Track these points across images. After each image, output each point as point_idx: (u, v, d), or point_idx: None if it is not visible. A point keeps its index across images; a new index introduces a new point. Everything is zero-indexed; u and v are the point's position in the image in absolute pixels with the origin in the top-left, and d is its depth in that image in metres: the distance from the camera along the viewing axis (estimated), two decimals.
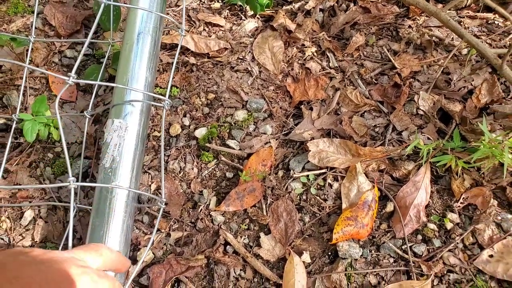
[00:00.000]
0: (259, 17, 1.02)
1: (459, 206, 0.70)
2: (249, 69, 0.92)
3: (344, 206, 0.72)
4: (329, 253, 0.69)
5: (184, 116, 0.86)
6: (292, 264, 0.66)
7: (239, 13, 1.03)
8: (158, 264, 0.70)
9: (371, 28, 0.96)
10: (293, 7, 1.02)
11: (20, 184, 0.79)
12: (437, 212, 0.70)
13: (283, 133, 0.83)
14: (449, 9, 0.97)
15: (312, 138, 0.79)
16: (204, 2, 1.06)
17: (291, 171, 0.76)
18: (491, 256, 0.64)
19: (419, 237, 0.68)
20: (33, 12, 1.02)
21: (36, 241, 0.74)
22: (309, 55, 0.92)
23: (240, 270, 0.69)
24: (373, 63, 0.90)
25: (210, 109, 0.87)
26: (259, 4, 0.96)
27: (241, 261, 0.69)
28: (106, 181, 0.64)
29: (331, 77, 0.89)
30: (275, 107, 0.86)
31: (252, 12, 1.01)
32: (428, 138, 0.77)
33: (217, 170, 0.80)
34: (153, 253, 0.72)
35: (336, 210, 0.73)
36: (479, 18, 0.95)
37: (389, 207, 0.71)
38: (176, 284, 0.69)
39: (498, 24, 0.93)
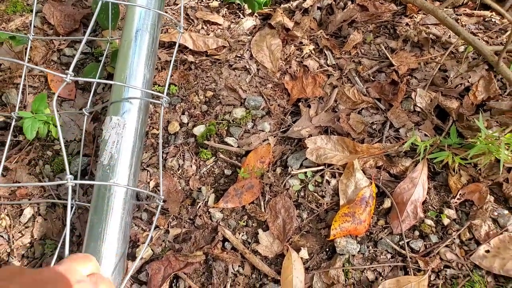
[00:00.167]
0: (257, 15, 1.02)
1: (456, 202, 0.70)
2: (247, 67, 0.92)
3: (341, 202, 0.72)
4: (327, 249, 0.70)
5: (183, 113, 0.87)
6: (290, 260, 0.67)
7: (237, 11, 1.04)
8: (156, 260, 0.70)
9: (369, 26, 0.96)
10: (291, 5, 1.03)
11: (19, 182, 0.80)
12: (434, 208, 0.71)
13: (281, 130, 0.83)
14: (446, 7, 0.97)
15: (310, 135, 0.79)
16: (202, 1, 1.07)
17: (289, 168, 0.77)
18: (487, 251, 0.64)
19: (416, 233, 0.69)
20: (31, 11, 1.02)
21: (36, 238, 0.75)
22: (307, 53, 0.93)
23: (239, 266, 0.70)
24: (371, 60, 0.90)
25: (208, 107, 0.87)
26: (257, 3, 0.97)
27: (239, 257, 0.70)
28: (104, 179, 0.64)
29: (328, 74, 0.89)
30: (273, 104, 0.86)
31: (250, 11, 1.02)
32: (425, 135, 0.77)
33: (215, 167, 0.80)
34: (151, 249, 0.72)
35: (333, 207, 0.73)
36: (476, 16, 0.95)
37: (387, 203, 0.71)
38: (174, 281, 0.69)
39: (495, 21, 0.94)
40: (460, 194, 0.70)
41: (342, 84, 0.87)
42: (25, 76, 0.84)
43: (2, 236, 0.75)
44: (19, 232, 0.75)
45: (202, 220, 0.74)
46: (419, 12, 0.97)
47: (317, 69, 0.90)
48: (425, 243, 0.67)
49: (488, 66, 0.83)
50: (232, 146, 0.81)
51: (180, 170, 0.80)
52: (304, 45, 0.94)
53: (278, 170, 0.78)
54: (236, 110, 0.85)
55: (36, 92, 0.91)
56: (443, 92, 0.82)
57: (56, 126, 0.83)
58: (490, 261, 0.63)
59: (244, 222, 0.74)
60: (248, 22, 1.00)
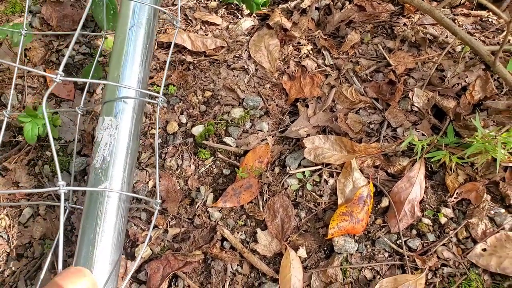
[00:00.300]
0: (255, 15, 1.02)
1: (453, 201, 0.71)
2: (246, 67, 0.92)
3: (339, 201, 0.72)
4: (325, 248, 0.70)
5: (181, 113, 0.87)
6: (289, 259, 0.67)
7: (236, 11, 1.04)
8: (156, 260, 0.70)
9: (366, 26, 0.97)
10: (289, 5, 1.03)
11: (18, 182, 0.80)
12: (431, 207, 0.71)
13: (279, 130, 0.83)
14: (443, 7, 0.98)
15: (308, 135, 0.80)
16: (200, 1, 1.07)
17: (287, 167, 0.77)
18: (484, 249, 0.65)
19: (414, 231, 0.69)
20: (30, 11, 1.02)
21: (35, 238, 0.75)
22: (304, 53, 0.93)
23: (237, 265, 0.70)
24: (368, 60, 0.91)
25: (207, 107, 0.87)
26: (255, 3, 0.97)
27: (238, 256, 0.70)
28: (96, 183, 0.60)
29: (326, 74, 0.90)
30: (271, 104, 0.87)
31: (248, 11, 1.02)
32: (423, 134, 0.78)
33: (214, 167, 0.81)
34: (151, 249, 0.73)
35: (331, 206, 0.73)
36: (473, 16, 0.96)
37: (384, 202, 0.72)
38: (173, 280, 0.70)
39: (491, 21, 0.94)
40: (457, 193, 0.71)
41: (340, 84, 0.87)
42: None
43: (1, 236, 0.75)
44: (18, 232, 0.76)
45: (201, 220, 0.75)
46: (417, 12, 0.98)
47: (315, 69, 0.91)
48: (422, 241, 0.68)
49: (485, 66, 0.84)
50: (230, 146, 0.81)
51: (179, 170, 0.80)
52: (302, 45, 0.95)
53: (276, 169, 0.78)
54: (234, 110, 0.85)
55: (35, 93, 0.91)
56: (440, 91, 0.83)
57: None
58: (487, 260, 0.64)
59: (242, 221, 0.74)
60: (246, 23, 1.00)
